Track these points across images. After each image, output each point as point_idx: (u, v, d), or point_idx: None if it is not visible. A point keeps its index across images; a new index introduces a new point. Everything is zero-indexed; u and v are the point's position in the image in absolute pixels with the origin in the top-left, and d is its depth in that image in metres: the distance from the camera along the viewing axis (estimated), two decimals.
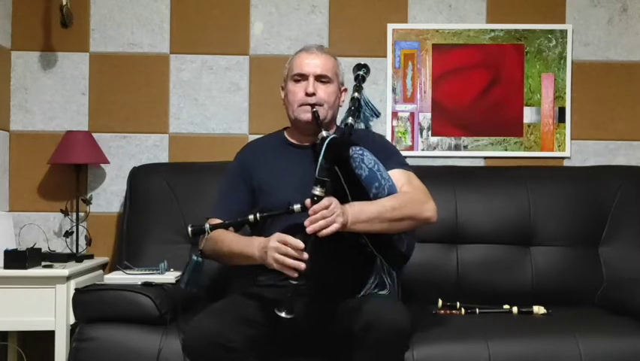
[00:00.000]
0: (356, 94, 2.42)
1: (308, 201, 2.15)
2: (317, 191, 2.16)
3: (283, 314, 2.10)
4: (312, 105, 2.42)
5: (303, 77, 2.45)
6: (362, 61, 3.28)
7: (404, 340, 2.21)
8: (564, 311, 2.71)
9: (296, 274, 2.12)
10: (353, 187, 2.25)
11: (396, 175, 2.35)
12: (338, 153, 2.23)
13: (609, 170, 3.16)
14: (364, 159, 2.28)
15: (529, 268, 2.93)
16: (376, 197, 2.26)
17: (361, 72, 2.50)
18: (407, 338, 2.23)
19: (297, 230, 2.19)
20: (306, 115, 2.43)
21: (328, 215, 2.12)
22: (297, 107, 2.45)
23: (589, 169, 3.18)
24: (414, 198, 2.31)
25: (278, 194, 2.39)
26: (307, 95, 2.43)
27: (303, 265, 2.12)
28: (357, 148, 2.30)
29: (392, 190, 2.29)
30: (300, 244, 2.12)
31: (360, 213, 2.20)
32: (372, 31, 3.30)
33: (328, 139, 2.23)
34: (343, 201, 2.21)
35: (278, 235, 2.17)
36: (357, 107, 2.40)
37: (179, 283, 2.36)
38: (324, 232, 2.12)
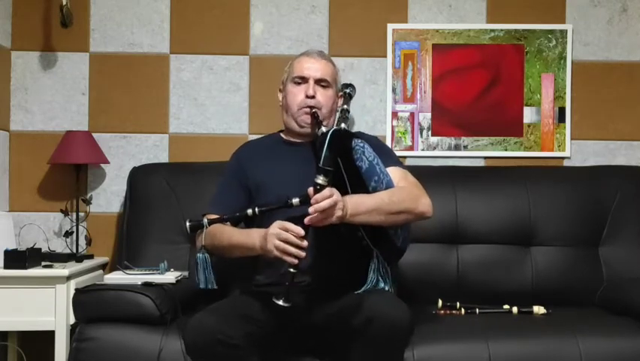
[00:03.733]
0: (345, 106, 2.50)
1: (311, 190, 2.18)
2: (320, 180, 2.19)
3: (281, 302, 2.14)
4: (311, 107, 2.48)
5: (303, 79, 2.53)
6: (362, 61, 3.30)
7: (404, 336, 2.22)
8: (564, 311, 2.71)
9: (296, 261, 2.16)
10: (353, 179, 2.30)
11: (393, 172, 2.41)
12: (342, 143, 2.28)
13: (609, 170, 3.16)
14: (365, 152, 2.33)
15: (529, 268, 2.93)
16: (375, 190, 2.31)
17: (348, 90, 2.61)
18: (407, 334, 2.24)
19: (296, 223, 2.20)
20: (306, 117, 2.49)
21: (328, 206, 2.14)
22: (297, 109, 2.51)
23: (589, 169, 3.18)
24: (410, 192, 2.37)
25: (275, 191, 2.42)
26: (307, 97, 2.49)
27: (303, 253, 2.16)
28: (359, 140, 2.36)
29: (390, 185, 2.34)
30: (301, 231, 2.16)
31: (359, 205, 2.23)
32: (372, 31, 3.30)
33: (332, 129, 2.29)
34: (342, 191, 2.23)
35: (279, 222, 2.21)
36: (347, 116, 2.47)
37: (197, 284, 2.37)
38: (323, 222, 2.16)
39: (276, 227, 2.20)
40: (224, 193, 2.56)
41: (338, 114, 2.51)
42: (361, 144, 2.34)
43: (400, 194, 2.32)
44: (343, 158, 2.29)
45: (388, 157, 2.49)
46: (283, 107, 2.59)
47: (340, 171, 2.28)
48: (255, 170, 2.54)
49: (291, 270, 2.17)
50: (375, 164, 2.33)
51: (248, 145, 2.72)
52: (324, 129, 2.35)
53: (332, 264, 2.34)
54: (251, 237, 2.30)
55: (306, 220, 2.16)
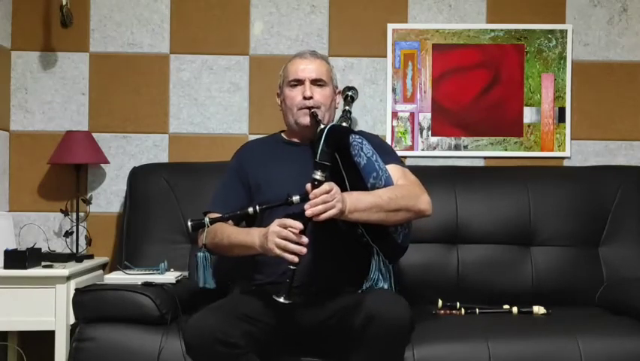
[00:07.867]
0: (347, 107, 2.53)
1: (309, 186, 2.19)
2: (317, 175, 2.19)
3: (281, 300, 2.15)
4: (310, 108, 2.48)
5: (299, 82, 2.53)
6: (362, 61, 3.29)
7: (405, 333, 2.22)
8: (564, 311, 2.71)
9: (297, 259, 2.16)
10: (351, 176, 2.30)
11: (393, 170, 2.41)
12: (339, 139, 2.28)
13: (609, 170, 3.16)
14: (363, 148, 2.33)
15: (529, 268, 2.93)
16: (374, 187, 2.30)
17: (350, 93, 2.65)
18: (408, 331, 2.24)
19: (296, 220, 2.20)
20: (305, 118, 2.50)
21: (329, 199, 2.15)
22: (297, 110, 2.51)
23: (589, 169, 3.18)
24: (410, 190, 2.37)
25: (275, 190, 2.42)
26: (305, 98, 2.49)
27: (304, 250, 2.15)
28: (357, 136, 2.36)
29: (389, 182, 2.34)
30: (299, 225, 2.16)
31: (358, 201, 2.23)
32: (372, 31, 3.30)
33: (329, 125, 2.30)
34: (341, 188, 2.24)
35: (278, 220, 2.21)
36: (349, 117, 2.49)
37: (196, 282, 2.40)
38: (323, 215, 2.15)
39: (276, 225, 2.20)
40: (226, 192, 2.57)
41: (340, 114, 2.51)
42: (359, 140, 2.34)
43: (399, 192, 2.32)
44: (341, 154, 2.28)
45: (388, 155, 2.49)
46: (283, 110, 2.60)
47: (339, 168, 2.28)
48: (255, 169, 2.55)
49: (292, 267, 2.17)
50: (373, 160, 2.32)
51: (249, 145, 2.73)
52: (322, 126, 2.35)
53: (332, 263, 2.35)
54: (250, 235, 2.31)
55: (307, 212, 2.15)
